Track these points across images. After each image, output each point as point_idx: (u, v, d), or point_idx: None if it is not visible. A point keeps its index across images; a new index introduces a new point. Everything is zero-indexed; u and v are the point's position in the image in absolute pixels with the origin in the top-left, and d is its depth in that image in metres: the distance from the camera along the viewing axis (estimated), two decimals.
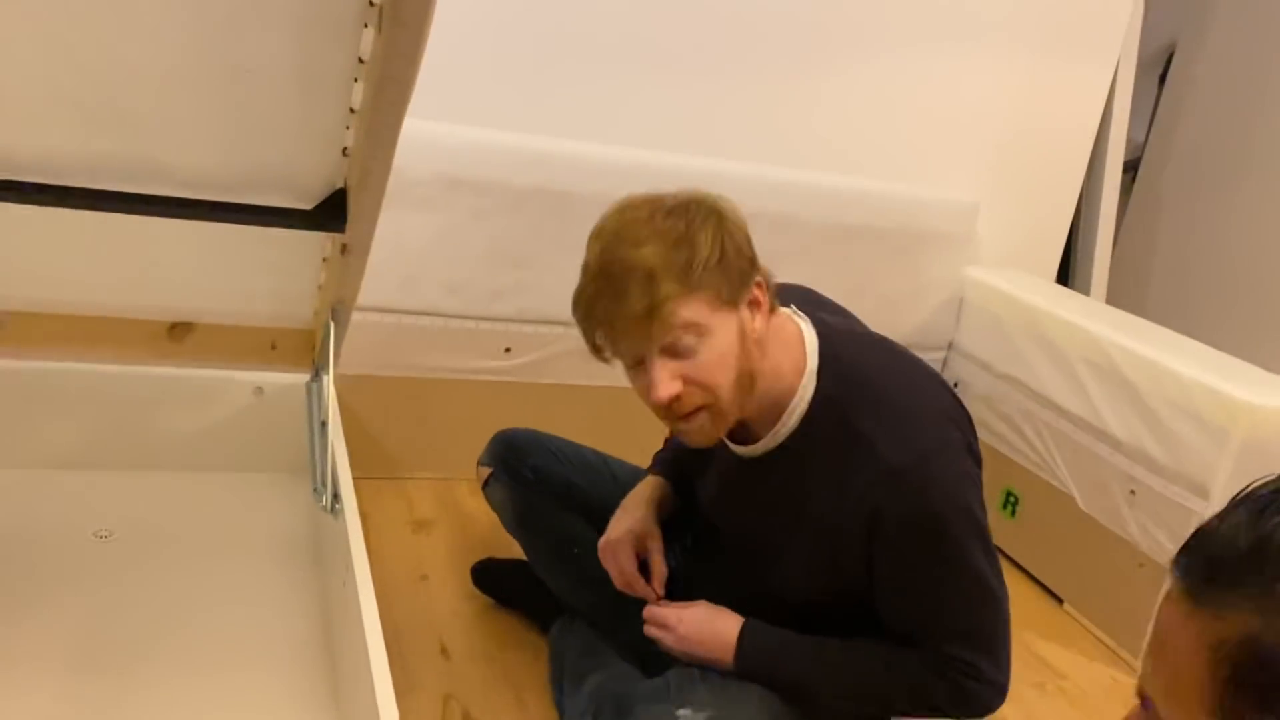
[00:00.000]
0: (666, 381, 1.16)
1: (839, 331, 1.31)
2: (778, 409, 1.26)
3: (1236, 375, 1.90)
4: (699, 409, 1.19)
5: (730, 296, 1.18)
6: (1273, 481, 0.61)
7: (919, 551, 1.19)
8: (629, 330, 1.17)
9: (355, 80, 1.23)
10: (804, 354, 1.25)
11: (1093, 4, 2.55)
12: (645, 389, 1.20)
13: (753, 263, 1.21)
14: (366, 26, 1.15)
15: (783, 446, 1.27)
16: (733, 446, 1.34)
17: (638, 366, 1.21)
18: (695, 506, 1.60)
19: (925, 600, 1.23)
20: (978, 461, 1.26)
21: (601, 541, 1.46)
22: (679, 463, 1.58)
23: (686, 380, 1.17)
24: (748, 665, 1.31)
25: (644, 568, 1.44)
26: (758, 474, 1.32)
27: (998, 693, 1.25)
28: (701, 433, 1.23)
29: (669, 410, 1.19)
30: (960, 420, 1.26)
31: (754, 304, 1.21)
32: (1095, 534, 2.04)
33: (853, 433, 1.21)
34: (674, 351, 1.16)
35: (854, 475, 1.20)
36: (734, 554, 1.44)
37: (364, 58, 1.19)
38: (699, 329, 1.16)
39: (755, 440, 1.30)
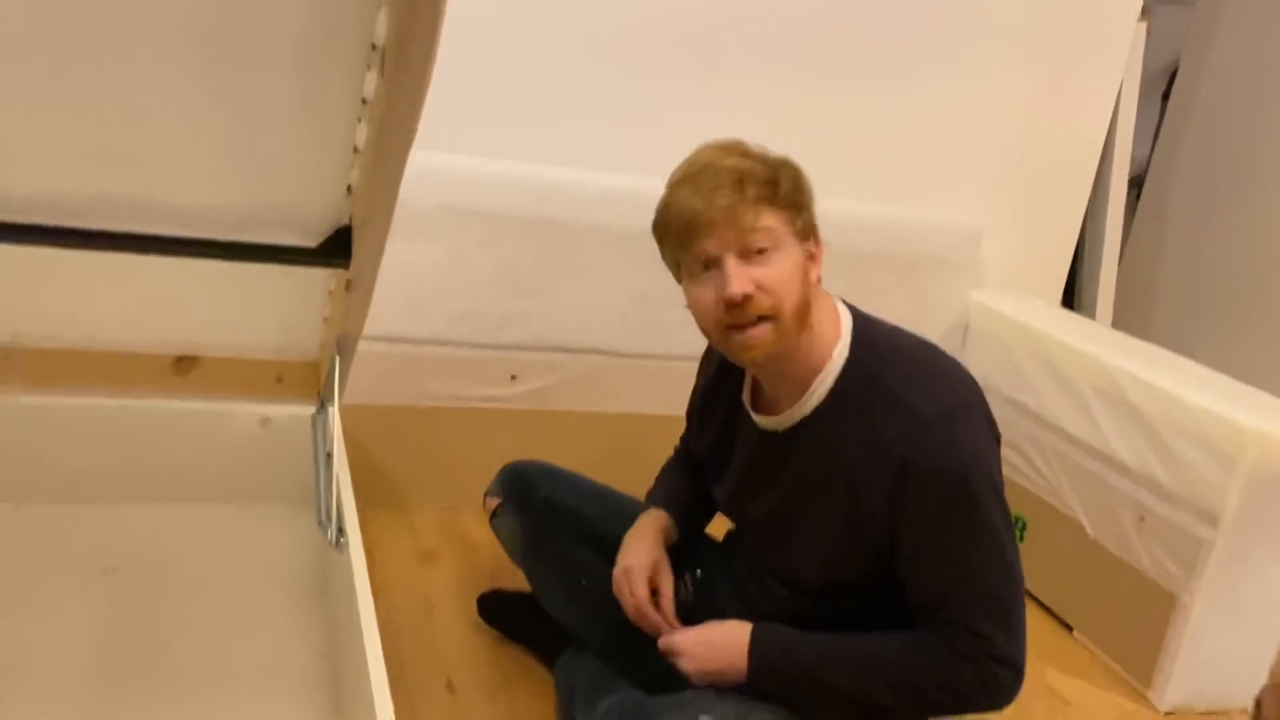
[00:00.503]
0: (742, 279, 1.20)
1: (872, 317, 1.36)
2: (809, 375, 1.28)
3: (1244, 402, 1.89)
4: (763, 318, 1.22)
5: (801, 230, 1.25)
6: None
7: (944, 506, 1.20)
8: (712, 224, 1.20)
9: (359, 120, 1.24)
10: (839, 326, 1.30)
11: (1096, 26, 2.55)
12: (714, 292, 1.22)
13: (815, 222, 1.29)
14: (369, 68, 1.16)
15: (814, 414, 1.30)
16: (761, 421, 1.36)
17: (709, 269, 1.23)
18: (698, 540, 1.60)
19: (947, 562, 1.22)
20: (997, 439, 1.28)
21: (617, 570, 1.46)
22: (682, 479, 1.60)
23: (758, 285, 1.21)
24: (763, 667, 1.30)
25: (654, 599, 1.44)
26: (787, 447, 1.33)
27: (1019, 676, 1.24)
28: (762, 344, 1.23)
29: (738, 311, 1.21)
30: (982, 396, 1.29)
31: (812, 257, 1.27)
32: (1104, 561, 2.03)
33: (883, 389, 1.25)
34: (748, 255, 1.21)
35: (883, 428, 1.22)
36: (754, 556, 1.44)
37: (367, 98, 1.20)
38: (775, 238, 1.22)
39: (784, 410, 1.32)
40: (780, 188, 1.22)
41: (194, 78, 1.13)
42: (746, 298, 1.20)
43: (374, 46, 1.13)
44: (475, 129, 2.13)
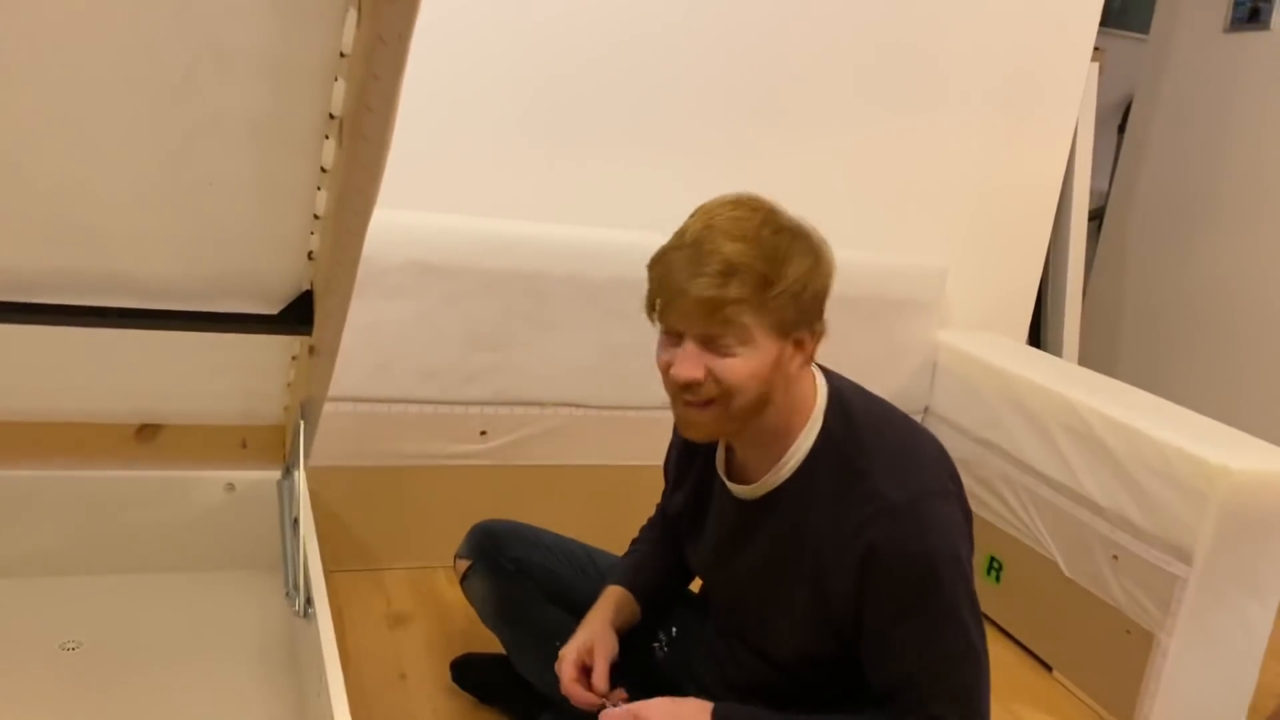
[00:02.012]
0: (692, 365, 1.19)
1: (850, 386, 1.35)
2: (782, 445, 1.27)
3: (1212, 437, 1.90)
4: (712, 401, 1.21)
5: (786, 329, 1.20)
6: None
7: (909, 593, 1.19)
8: (687, 307, 1.18)
9: (318, 188, 1.23)
10: (815, 397, 1.29)
11: (1049, 69, 2.60)
12: (668, 362, 1.22)
13: (819, 313, 1.24)
14: (327, 138, 1.15)
15: (785, 486, 1.28)
16: (734, 488, 1.34)
17: (674, 339, 1.22)
18: (679, 597, 1.59)
19: (911, 647, 1.22)
20: (968, 520, 1.27)
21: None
22: (651, 556, 1.58)
23: (711, 374, 1.19)
24: None
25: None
26: (758, 515, 1.32)
27: None
28: (704, 425, 1.24)
29: (685, 390, 1.21)
30: (955, 478, 1.28)
31: (799, 345, 1.23)
32: (1081, 599, 2.03)
33: (854, 471, 1.23)
34: (712, 344, 1.19)
35: (852, 511, 1.21)
36: (726, 621, 1.43)
37: (326, 167, 1.19)
38: (746, 337, 1.18)
39: (756, 479, 1.31)
40: (774, 289, 1.16)
41: (149, 150, 1.11)
42: (694, 382, 1.19)
43: (331, 116, 1.12)
44: (439, 185, 2.13)
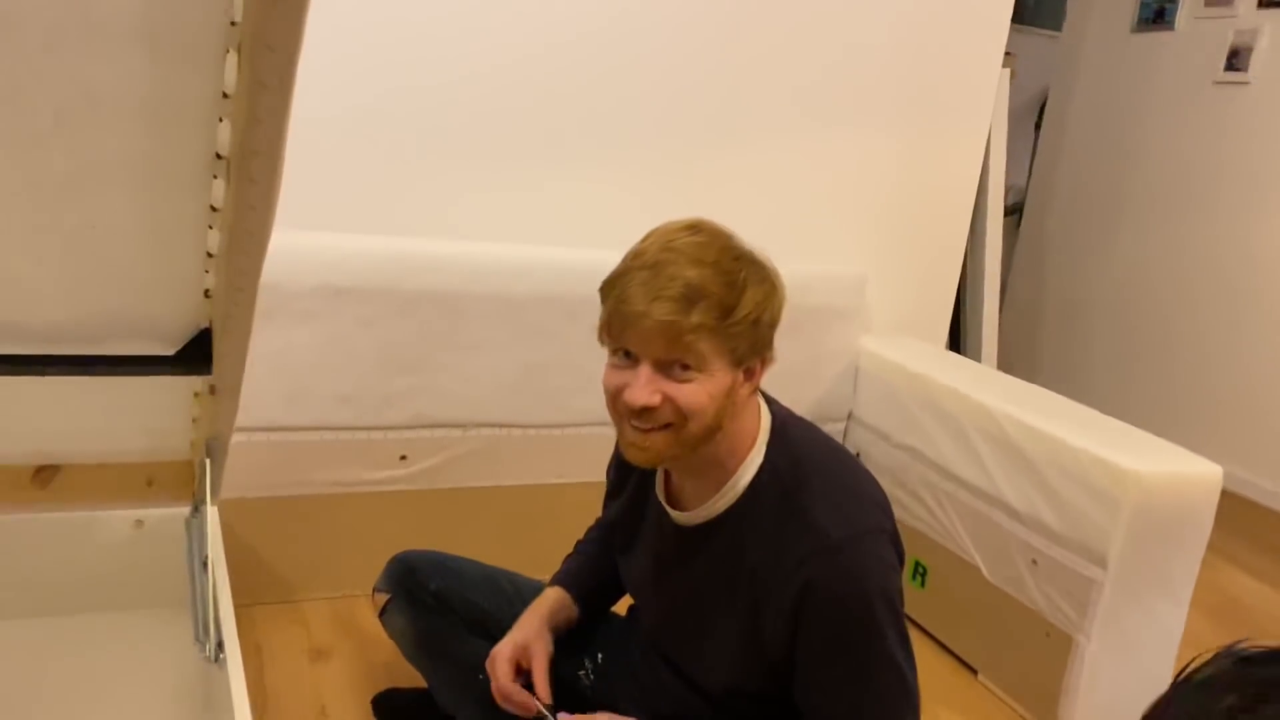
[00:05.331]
0: (648, 391, 1.16)
1: (791, 417, 1.34)
2: (724, 474, 1.26)
3: (1125, 442, 1.94)
4: (667, 425, 1.19)
5: (740, 358, 1.19)
6: (1210, 662, 0.61)
7: (843, 632, 1.19)
8: (647, 329, 1.15)
9: (210, 227, 1.19)
10: (758, 427, 1.28)
11: (961, 76, 2.63)
12: (621, 385, 1.19)
13: (770, 342, 1.23)
14: (216, 178, 1.11)
15: (724, 515, 1.27)
16: (673, 514, 1.33)
17: (626, 361, 1.20)
18: (604, 621, 1.57)
19: (845, 688, 1.22)
20: (901, 557, 1.28)
21: (489, 657, 1.42)
22: (594, 559, 1.56)
23: (667, 398, 1.17)
24: None
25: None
26: (696, 542, 1.31)
27: None
28: (653, 450, 1.21)
29: (638, 416, 1.18)
30: (890, 514, 1.28)
31: (750, 374, 1.22)
32: (1003, 603, 2.06)
33: (794, 505, 1.22)
34: (668, 370, 1.17)
35: (791, 546, 1.20)
36: (656, 644, 1.41)
37: (216, 206, 1.15)
38: (703, 363, 1.16)
39: (695, 507, 1.30)
40: (734, 315, 1.15)
41: (22, 196, 1.06)
42: (650, 408, 1.17)
43: (219, 156, 1.08)
44: (347, 205, 2.09)
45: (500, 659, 1.39)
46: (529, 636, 1.42)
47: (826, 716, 1.23)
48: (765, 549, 1.23)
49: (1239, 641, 0.62)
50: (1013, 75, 3.04)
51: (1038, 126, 4.63)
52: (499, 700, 1.39)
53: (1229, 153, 3.61)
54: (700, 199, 2.38)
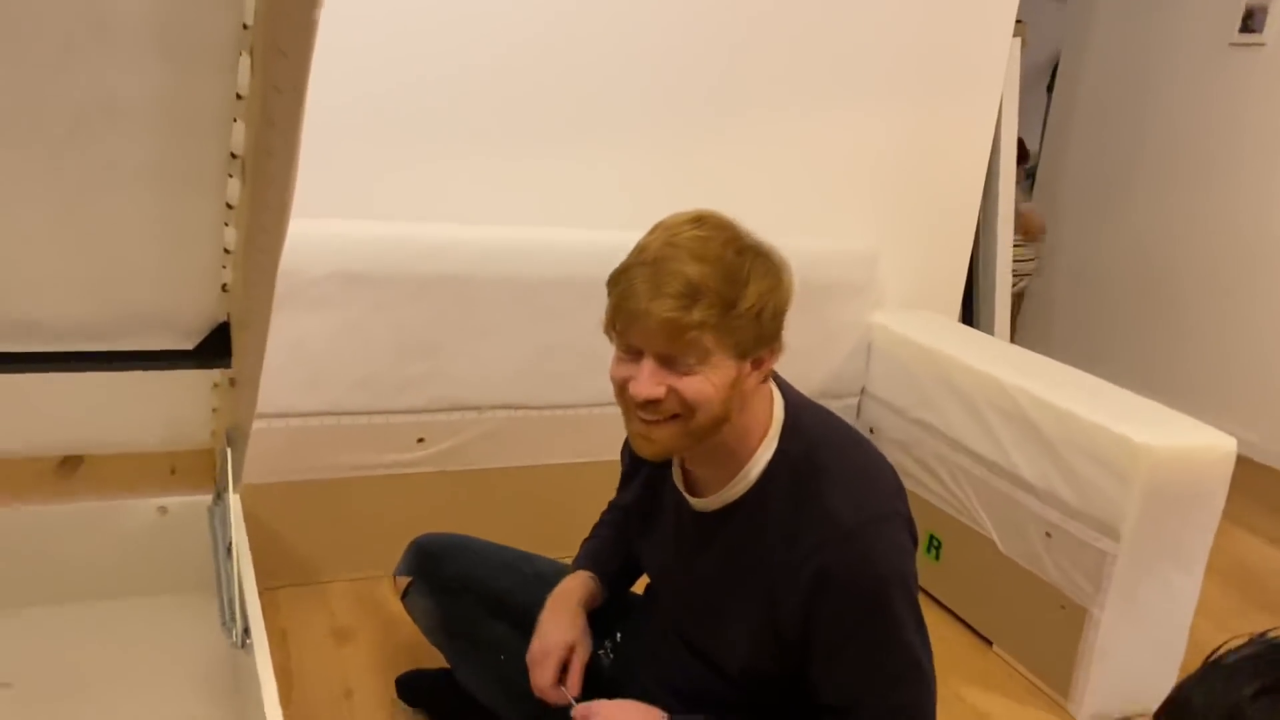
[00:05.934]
0: (652, 384, 1.17)
1: (805, 403, 1.34)
2: (737, 463, 1.27)
3: (1138, 415, 1.95)
4: (672, 417, 1.20)
5: (745, 350, 1.19)
6: (1242, 647, 0.64)
7: (858, 616, 1.20)
8: (649, 327, 1.16)
9: (226, 224, 1.20)
10: (771, 414, 1.28)
11: (972, 46, 2.61)
12: (627, 377, 1.20)
13: (778, 332, 1.23)
14: (231, 177, 1.12)
15: (740, 501, 1.29)
16: (690, 500, 1.34)
17: (632, 355, 1.21)
18: (622, 601, 1.59)
19: (860, 670, 1.23)
20: (915, 541, 1.29)
21: (531, 650, 1.44)
22: (615, 541, 1.57)
23: (672, 390, 1.18)
24: None
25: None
26: (713, 527, 1.32)
27: None
28: (661, 442, 1.22)
29: (643, 407, 1.19)
30: (904, 498, 1.29)
31: (758, 364, 1.22)
32: (1017, 576, 2.07)
33: (808, 492, 1.23)
34: (672, 363, 1.17)
35: (806, 532, 1.21)
36: (675, 625, 1.43)
37: (232, 203, 1.16)
38: (706, 356, 1.17)
39: (711, 494, 1.31)
40: (736, 309, 1.15)
41: (43, 199, 1.08)
42: (654, 400, 1.18)
43: (234, 155, 1.09)
44: (361, 191, 2.10)
45: (550, 659, 1.41)
46: (575, 636, 1.44)
47: (843, 699, 1.25)
48: (780, 535, 1.24)
49: (1271, 629, 0.64)
50: (1024, 45, 3.01)
51: (1049, 90, 4.60)
52: (536, 693, 1.41)
53: (1244, 116, 3.58)
54: (711, 175, 2.39)
